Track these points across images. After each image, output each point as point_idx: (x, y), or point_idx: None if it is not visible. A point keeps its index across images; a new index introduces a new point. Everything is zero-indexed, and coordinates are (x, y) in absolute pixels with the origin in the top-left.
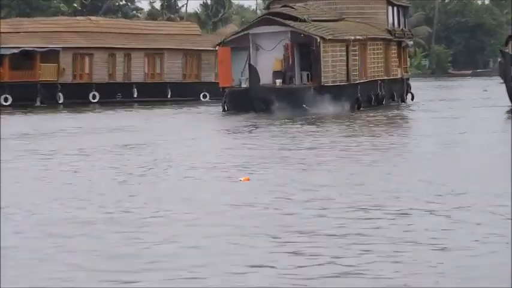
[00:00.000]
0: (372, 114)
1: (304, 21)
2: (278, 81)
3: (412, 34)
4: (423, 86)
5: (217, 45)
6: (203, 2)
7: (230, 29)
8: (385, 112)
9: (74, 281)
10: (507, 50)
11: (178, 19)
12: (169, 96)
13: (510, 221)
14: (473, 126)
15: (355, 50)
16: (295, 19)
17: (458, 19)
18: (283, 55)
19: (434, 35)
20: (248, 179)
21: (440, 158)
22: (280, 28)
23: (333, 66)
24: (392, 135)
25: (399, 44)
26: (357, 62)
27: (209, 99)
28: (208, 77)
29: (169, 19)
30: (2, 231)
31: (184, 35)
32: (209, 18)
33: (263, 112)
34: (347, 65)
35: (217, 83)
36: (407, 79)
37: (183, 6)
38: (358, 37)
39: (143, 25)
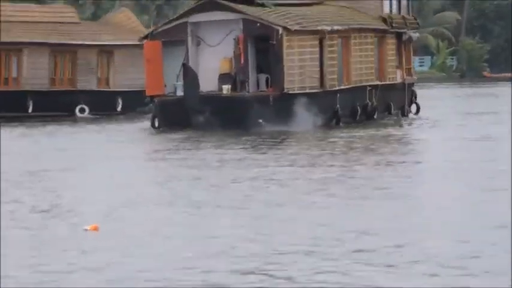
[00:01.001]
0: (351, 133)
1: (263, 5)
2: (225, 88)
3: (418, 23)
4: (442, 94)
5: (143, 38)
6: None
7: (123, 15)
8: (372, 130)
9: None
10: None
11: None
12: (30, 110)
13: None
14: (483, 155)
15: (332, 45)
16: (251, 2)
17: (498, 2)
18: (234, 52)
19: (464, 23)
20: (96, 228)
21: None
22: (229, 15)
23: (300, 68)
24: (362, 166)
25: (399, 36)
26: (335, 62)
27: (89, 114)
28: (87, 83)
29: (95, 1)
30: None
31: (53, 24)
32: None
33: (203, 129)
34: (321, 66)
35: (101, 91)
36: (412, 85)
37: None
38: (337, 27)
39: None
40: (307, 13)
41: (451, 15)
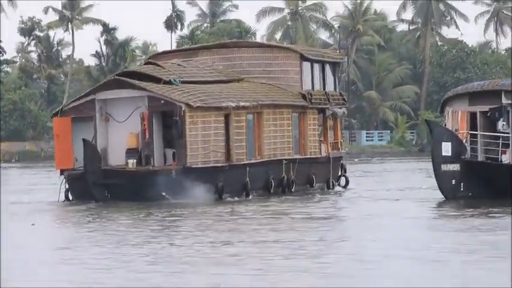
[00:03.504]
0: (246, 207)
1: (170, 82)
2: (131, 162)
3: (345, 99)
4: (392, 168)
5: (53, 114)
6: (96, 52)
7: None
8: (277, 204)
9: None
10: (445, 119)
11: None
12: None
13: None
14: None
15: (240, 121)
16: (158, 80)
17: (457, 75)
18: (141, 128)
19: (424, 97)
20: None
21: None
22: (135, 92)
23: (204, 142)
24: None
25: (322, 112)
26: (244, 137)
27: None
28: None
29: (49, 76)
30: None
31: None
32: (104, 74)
33: (106, 202)
34: (227, 141)
35: None
36: (339, 158)
37: (68, 57)
38: (243, 104)
39: None
40: (214, 90)
41: (411, 89)
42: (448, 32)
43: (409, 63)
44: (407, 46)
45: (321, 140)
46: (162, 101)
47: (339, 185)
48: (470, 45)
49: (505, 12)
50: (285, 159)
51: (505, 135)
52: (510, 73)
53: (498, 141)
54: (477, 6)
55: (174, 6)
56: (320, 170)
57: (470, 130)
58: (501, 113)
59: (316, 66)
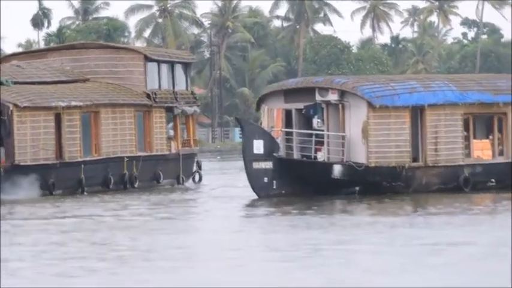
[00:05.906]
0: (70, 203)
1: (1, 83)
2: None
3: (196, 98)
4: None
5: None
6: None
7: None
8: (101, 201)
9: None
10: (261, 117)
11: None
12: None
13: None
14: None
15: (73, 120)
16: None
17: (332, 71)
18: None
19: None
20: None
21: None
22: None
23: (33, 141)
24: None
25: (171, 111)
26: (78, 135)
27: None
28: None
29: None
30: None
31: None
32: None
33: None
34: (58, 139)
35: None
36: (191, 155)
37: None
38: (76, 103)
39: None
40: (47, 90)
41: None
42: (323, 29)
43: (283, 60)
44: (282, 43)
45: (169, 138)
46: None
47: (193, 181)
48: (344, 41)
49: (381, 8)
50: (127, 157)
51: (320, 132)
52: (385, 69)
53: (313, 138)
54: (353, 3)
55: (40, 4)
56: (169, 167)
57: (286, 128)
58: (316, 110)
59: (164, 67)
